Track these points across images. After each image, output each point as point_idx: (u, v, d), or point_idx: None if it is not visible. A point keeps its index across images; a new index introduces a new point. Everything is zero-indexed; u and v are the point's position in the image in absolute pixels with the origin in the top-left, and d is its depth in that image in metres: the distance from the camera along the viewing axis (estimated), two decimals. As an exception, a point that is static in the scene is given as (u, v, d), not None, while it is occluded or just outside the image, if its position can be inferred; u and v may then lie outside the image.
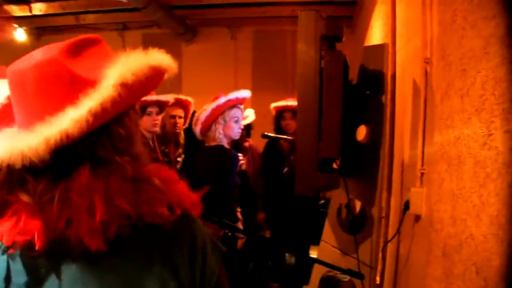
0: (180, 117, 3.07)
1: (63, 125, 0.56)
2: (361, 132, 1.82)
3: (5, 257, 0.61)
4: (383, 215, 1.82)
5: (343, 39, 1.54)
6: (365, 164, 1.79)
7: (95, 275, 0.59)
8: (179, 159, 3.15)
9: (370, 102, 1.82)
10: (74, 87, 0.63)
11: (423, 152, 1.58)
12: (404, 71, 1.98)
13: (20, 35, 4.74)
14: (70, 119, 0.57)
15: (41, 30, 5.09)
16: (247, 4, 4.63)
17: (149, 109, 2.62)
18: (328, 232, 2.03)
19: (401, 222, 1.62)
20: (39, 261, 0.59)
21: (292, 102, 3.20)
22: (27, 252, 0.59)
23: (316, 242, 2.63)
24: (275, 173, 3.04)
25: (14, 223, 0.58)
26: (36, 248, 0.57)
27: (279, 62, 5.28)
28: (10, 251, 0.59)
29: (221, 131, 2.54)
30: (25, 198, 0.58)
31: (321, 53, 1.38)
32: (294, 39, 5.39)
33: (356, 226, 1.80)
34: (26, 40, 4.89)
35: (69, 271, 0.60)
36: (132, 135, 0.69)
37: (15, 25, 4.56)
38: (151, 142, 2.74)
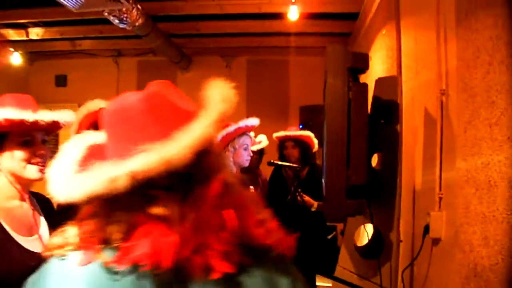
0: None
1: (187, 142, 0.60)
2: (374, 160, 1.93)
3: (130, 278, 0.62)
4: (401, 239, 1.90)
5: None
6: (382, 190, 1.88)
7: None
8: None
9: (384, 130, 1.93)
10: (181, 116, 0.69)
11: (440, 178, 1.69)
12: (413, 101, 2.12)
13: (16, 59, 4.75)
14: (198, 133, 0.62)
15: (35, 54, 5.11)
16: (242, 34, 4.81)
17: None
18: (344, 257, 2.09)
19: (422, 246, 1.70)
20: (166, 280, 0.61)
21: (293, 132, 3.31)
22: (153, 271, 0.60)
23: (321, 271, 2.67)
24: (280, 200, 3.10)
25: (150, 242, 0.60)
26: (164, 266, 0.59)
27: (273, 90, 5.45)
28: (141, 269, 0.59)
29: (231, 159, 2.59)
30: (160, 212, 0.62)
31: (348, 85, 1.49)
32: (287, 68, 5.57)
33: (375, 251, 1.87)
34: (19, 64, 4.90)
35: None
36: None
37: (11, 49, 4.57)
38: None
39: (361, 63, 1.54)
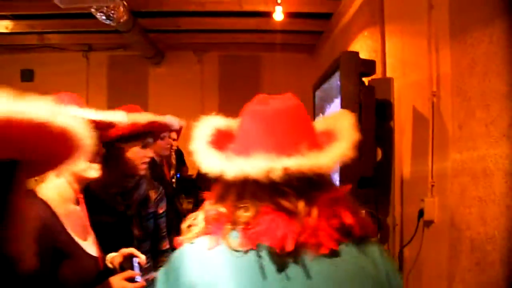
0: (174, 139, 3.22)
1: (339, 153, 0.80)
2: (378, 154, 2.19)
3: (253, 256, 0.76)
4: (397, 223, 2.18)
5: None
6: (380, 180, 2.14)
7: (333, 270, 0.77)
8: (173, 180, 3.28)
9: (380, 127, 2.18)
10: (312, 129, 0.89)
11: (432, 168, 1.97)
12: (400, 99, 2.39)
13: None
14: (345, 148, 0.80)
15: (2, 48, 4.90)
16: (215, 30, 4.91)
17: (163, 134, 2.74)
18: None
19: (417, 227, 1.98)
20: (286, 260, 0.76)
21: None
22: (274, 252, 0.75)
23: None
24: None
25: (277, 228, 0.75)
26: (287, 249, 0.74)
27: (245, 86, 5.61)
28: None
29: None
30: (287, 205, 0.77)
31: (360, 88, 1.71)
32: (259, 64, 5.72)
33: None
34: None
35: (316, 268, 0.76)
36: None
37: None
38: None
39: (369, 69, 1.77)
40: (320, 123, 0.97)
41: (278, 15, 3.32)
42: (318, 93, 2.61)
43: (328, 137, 0.87)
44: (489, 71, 1.47)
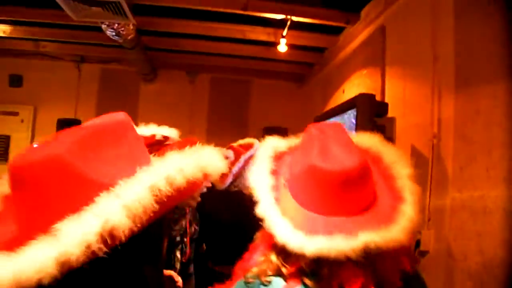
0: None
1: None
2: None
3: None
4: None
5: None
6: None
7: None
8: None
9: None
10: (374, 185, 0.91)
11: (429, 204, 2.18)
12: (400, 138, 2.62)
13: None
14: None
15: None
16: (208, 53, 5.06)
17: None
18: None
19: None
20: None
21: None
22: None
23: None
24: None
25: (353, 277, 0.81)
26: None
27: (234, 109, 5.78)
28: None
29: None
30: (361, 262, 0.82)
31: (374, 126, 1.92)
32: (249, 89, 5.87)
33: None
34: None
35: None
36: None
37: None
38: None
39: (382, 110, 1.98)
40: (364, 144, 1.02)
41: (282, 47, 3.55)
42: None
43: (391, 191, 0.92)
44: (491, 121, 1.71)
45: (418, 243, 2.18)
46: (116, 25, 3.28)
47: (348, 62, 3.80)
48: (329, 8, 3.41)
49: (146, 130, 1.38)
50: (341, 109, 2.28)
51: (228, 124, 5.68)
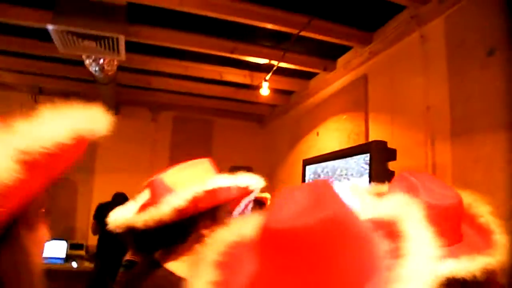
0: None
1: None
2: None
3: None
4: None
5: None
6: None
7: None
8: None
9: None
10: None
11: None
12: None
13: None
14: None
15: None
16: (172, 91, 5.08)
17: None
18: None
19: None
20: None
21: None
22: None
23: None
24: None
25: None
26: None
27: (197, 147, 5.78)
28: None
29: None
30: None
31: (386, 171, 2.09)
32: (212, 128, 5.93)
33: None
34: None
35: None
36: None
37: None
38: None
39: (392, 156, 2.17)
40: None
41: (265, 90, 3.70)
42: (314, 167, 2.95)
43: (478, 226, 1.01)
44: (492, 167, 1.95)
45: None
46: (102, 60, 3.23)
47: (323, 106, 4.04)
48: (310, 55, 3.67)
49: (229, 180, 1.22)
50: (346, 154, 2.45)
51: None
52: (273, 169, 5.30)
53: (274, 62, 3.52)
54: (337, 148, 3.66)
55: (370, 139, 3.14)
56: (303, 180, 3.16)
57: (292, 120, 4.96)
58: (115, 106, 5.15)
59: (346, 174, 2.43)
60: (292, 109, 4.95)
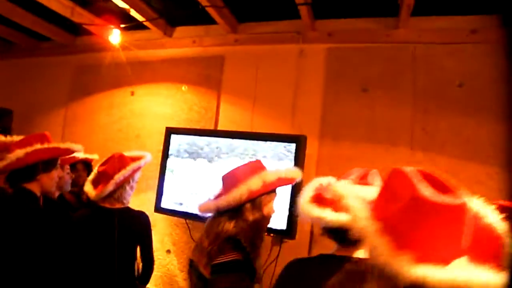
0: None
1: None
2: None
3: None
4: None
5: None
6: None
7: None
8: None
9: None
10: None
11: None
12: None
13: None
14: None
15: None
16: None
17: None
18: None
19: None
20: None
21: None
22: None
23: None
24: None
25: None
26: None
27: None
28: None
29: None
30: None
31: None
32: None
33: None
34: None
35: None
36: None
37: None
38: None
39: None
40: None
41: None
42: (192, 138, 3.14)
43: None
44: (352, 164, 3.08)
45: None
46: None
47: (149, 67, 3.97)
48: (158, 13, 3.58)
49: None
50: (266, 137, 2.82)
51: None
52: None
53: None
54: (157, 112, 3.83)
55: (220, 119, 3.59)
56: (166, 148, 3.24)
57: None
58: None
59: (254, 155, 2.87)
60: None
